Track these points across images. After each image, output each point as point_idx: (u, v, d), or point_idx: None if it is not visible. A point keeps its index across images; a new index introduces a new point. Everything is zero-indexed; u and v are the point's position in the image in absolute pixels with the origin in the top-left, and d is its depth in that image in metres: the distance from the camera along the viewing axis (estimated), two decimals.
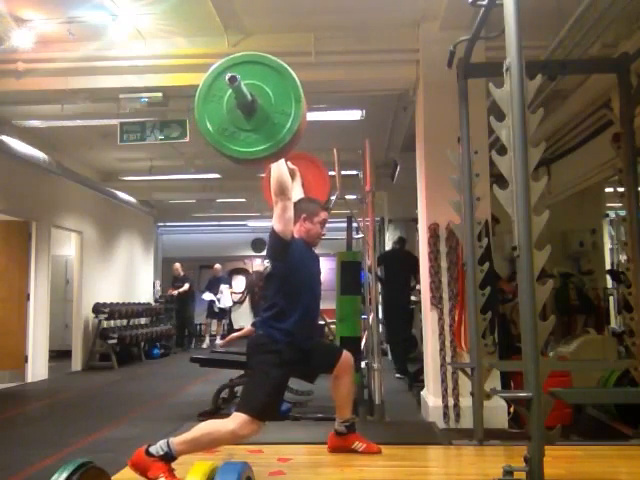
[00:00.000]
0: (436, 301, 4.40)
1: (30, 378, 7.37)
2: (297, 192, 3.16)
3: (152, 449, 2.62)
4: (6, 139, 6.37)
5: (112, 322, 9.44)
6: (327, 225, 3.18)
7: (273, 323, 2.85)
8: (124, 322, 9.89)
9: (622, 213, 3.91)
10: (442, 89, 4.34)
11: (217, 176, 9.31)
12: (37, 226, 7.67)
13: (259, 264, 15.21)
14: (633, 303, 3.64)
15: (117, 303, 9.65)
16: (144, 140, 5.73)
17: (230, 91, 2.29)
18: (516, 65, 2.41)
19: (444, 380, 4.31)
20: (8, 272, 7.51)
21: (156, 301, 12.42)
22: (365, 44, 4.80)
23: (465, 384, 3.97)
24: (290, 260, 2.86)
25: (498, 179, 2.75)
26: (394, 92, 5.55)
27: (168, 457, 2.60)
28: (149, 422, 4.92)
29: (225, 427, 2.66)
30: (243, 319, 14.50)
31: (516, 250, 2.39)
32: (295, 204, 2.90)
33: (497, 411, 4.08)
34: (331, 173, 4.00)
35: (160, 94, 5.14)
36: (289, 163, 2.97)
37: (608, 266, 8.45)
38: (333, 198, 4.77)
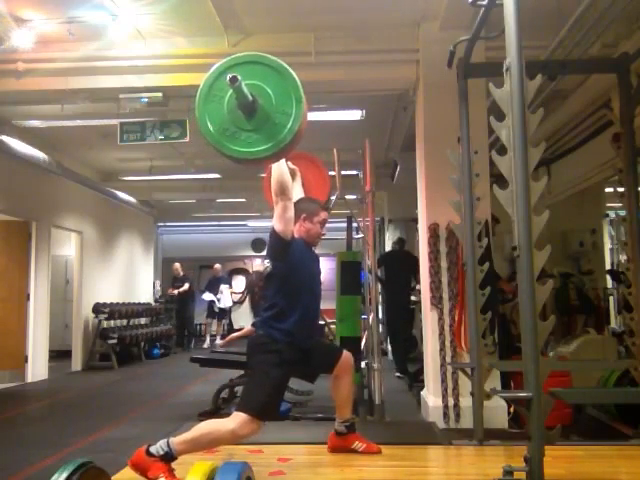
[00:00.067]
0: (436, 301, 4.40)
1: (30, 378, 7.37)
2: (297, 192, 3.16)
3: (152, 449, 2.62)
4: (6, 139, 6.37)
5: (112, 322, 9.44)
6: (327, 225, 3.18)
7: (273, 323, 2.85)
8: (124, 322, 9.89)
9: (622, 213, 3.91)
10: (442, 89, 4.34)
11: (217, 176, 9.31)
12: (37, 226, 7.67)
13: (259, 264, 15.20)
14: (633, 303, 3.64)
15: (117, 303, 9.65)
16: (144, 140, 5.73)
17: (231, 91, 2.29)
18: (516, 65, 2.41)
19: (444, 380, 4.31)
20: (8, 272, 7.51)
21: (156, 301, 12.43)
22: (365, 44, 4.80)
23: (465, 384, 3.97)
24: (290, 260, 2.86)
25: (498, 179, 2.75)
26: (394, 92, 5.55)
27: (168, 457, 2.60)
28: (149, 422, 4.93)
29: (225, 427, 2.66)
30: (243, 319, 14.50)
31: (516, 250, 2.39)
32: (295, 204, 2.90)
33: (497, 411, 4.08)
34: (331, 173, 4.01)
35: (160, 94, 5.14)
36: (289, 163, 2.97)
37: (608, 266, 8.45)
38: (333, 198, 4.77)
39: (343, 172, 5.12)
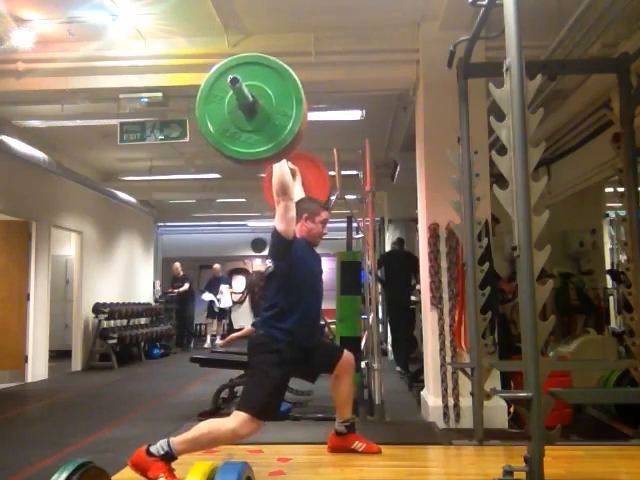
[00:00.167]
0: (436, 301, 4.40)
1: (30, 378, 7.37)
2: (297, 192, 3.16)
3: (152, 449, 2.62)
4: (6, 139, 6.37)
5: (112, 322, 9.44)
6: (327, 225, 3.18)
7: (274, 322, 2.85)
8: (124, 322, 9.89)
9: (622, 213, 3.91)
10: (442, 89, 4.34)
11: (217, 176, 9.31)
12: (37, 226, 7.67)
13: (259, 264, 15.22)
14: (633, 303, 3.64)
15: (117, 303, 9.65)
16: (144, 140, 5.73)
17: (231, 92, 2.29)
18: (516, 65, 2.41)
19: (444, 380, 4.31)
20: (8, 272, 7.51)
21: (156, 301, 12.42)
22: (365, 44, 4.80)
23: (465, 384, 3.97)
24: (292, 259, 2.87)
25: (498, 179, 2.75)
26: (394, 92, 5.55)
27: (168, 457, 2.60)
28: (149, 422, 4.93)
29: (225, 426, 2.67)
30: (243, 319, 14.50)
31: (516, 250, 2.39)
32: (297, 204, 2.91)
33: (497, 411, 4.08)
34: (331, 173, 4.00)
35: (160, 94, 5.14)
36: (289, 163, 2.97)
37: (608, 266, 8.46)
38: (333, 198, 4.77)
39: (343, 172, 5.12)
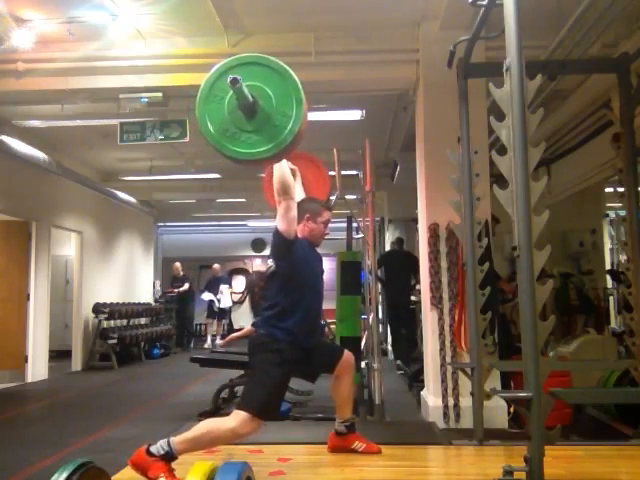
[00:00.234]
0: (436, 301, 4.40)
1: (30, 378, 7.37)
2: (297, 192, 3.16)
3: (153, 448, 2.62)
4: (6, 139, 6.37)
5: (112, 322, 9.44)
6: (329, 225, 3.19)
7: (275, 322, 2.86)
8: (124, 322, 9.89)
9: (622, 213, 3.91)
10: (442, 89, 4.34)
11: (217, 176, 9.31)
12: (37, 226, 7.67)
13: (259, 264, 15.23)
14: (633, 303, 3.64)
15: (117, 303, 9.65)
16: (144, 140, 5.73)
17: (231, 92, 2.29)
18: (516, 65, 2.41)
19: (444, 380, 4.31)
20: (8, 272, 7.51)
21: (156, 301, 12.42)
22: (365, 44, 4.80)
23: (465, 384, 3.97)
24: (293, 259, 2.87)
25: (498, 179, 2.75)
26: (394, 92, 5.55)
27: (169, 456, 2.60)
28: (149, 422, 4.93)
29: (225, 425, 2.67)
30: (243, 319, 14.50)
31: (516, 250, 2.39)
32: (299, 204, 2.91)
33: (497, 411, 4.08)
34: (331, 173, 4.01)
35: (160, 94, 5.14)
36: (289, 163, 2.97)
37: (608, 266, 8.46)
38: (333, 198, 4.77)
39: (343, 172, 5.12)
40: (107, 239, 10.10)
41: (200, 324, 13.90)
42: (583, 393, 4.06)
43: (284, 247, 2.86)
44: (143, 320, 10.54)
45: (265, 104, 2.34)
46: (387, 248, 9.62)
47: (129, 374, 8.40)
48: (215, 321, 12.33)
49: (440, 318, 4.38)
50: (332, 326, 5.29)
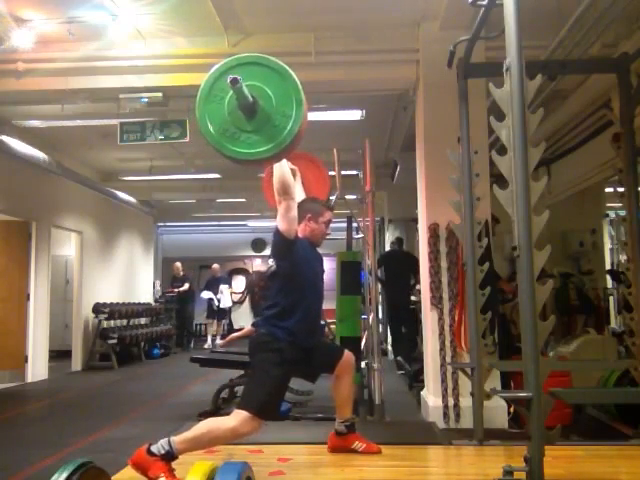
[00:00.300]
0: (436, 301, 4.40)
1: (30, 378, 7.37)
2: (297, 192, 3.16)
3: (153, 448, 2.62)
4: (6, 139, 6.37)
5: (112, 322, 9.44)
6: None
7: (275, 322, 2.86)
8: (124, 322, 9.89)
9: (622, 213, 3.91)
10: (442, 89, 4.34)
11: (217, 176, 9.31)
12: (37, 226, 7.67)
13: (259, 264, 15.23)
14: (633, 303, 3.64)
15: (117, 303, 9.65)
16: (144, 140, 5.73)
17: (231, 92, 2.29)
18: (516, 65, 2.41)
19: (444, 380, 4.31)
20: (8, 272, 7.51)
21: (156, 301, 12.42)
22: (365, 44, 4.80)
23: (465, 384, 3.97)
24: (294, 259, 2.88)
25: (498, 179, 2.75)
26: (394, 92, 5.55)
27: (169, 456, 2.60)
28: (149, 422, 4.93)
29: (226, 425, 2.68)
30: (243, 319, 14.50)
31: (516, 250, 2.39)
32: (300, 204, 2.92)
33: (497, 411, 4.08)
34: (331, 173, 4.01)
35: (160, 94, 5.14)
36: (289, 163, 2.97)
37: (608, 266, 8.46)
38: (333, 198, 4.77)
39: (343, 172, 5.11)
40: (107, 239, 10.10)
41: (200, 324, 13.90)
42: (583, 393, 4.07)
43: (285, 247, 2.87)
44: (143, 320, 10.54)
45: (265, 104, 2.34)
46: (387, 248, 9.62)
47: (129, 374, 8.40)
48: (215, 321, 12.33)
49: (440, 318, 4.38)
50: (332, 326, 5.29)
